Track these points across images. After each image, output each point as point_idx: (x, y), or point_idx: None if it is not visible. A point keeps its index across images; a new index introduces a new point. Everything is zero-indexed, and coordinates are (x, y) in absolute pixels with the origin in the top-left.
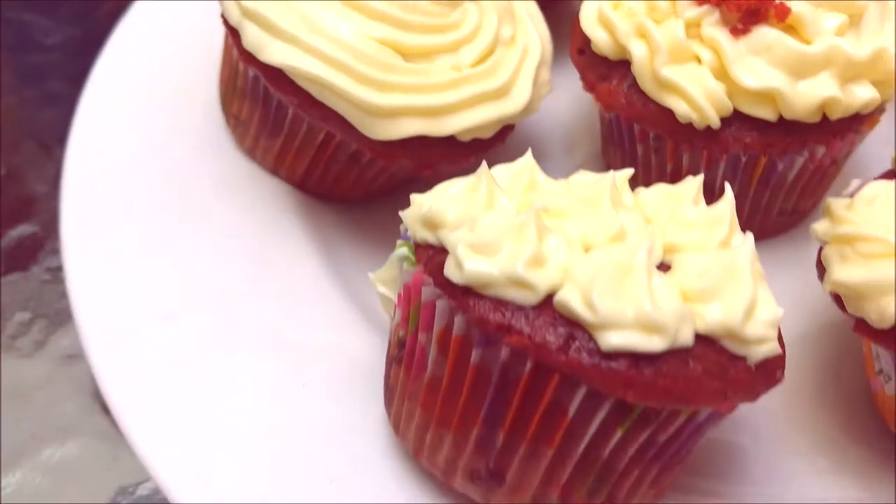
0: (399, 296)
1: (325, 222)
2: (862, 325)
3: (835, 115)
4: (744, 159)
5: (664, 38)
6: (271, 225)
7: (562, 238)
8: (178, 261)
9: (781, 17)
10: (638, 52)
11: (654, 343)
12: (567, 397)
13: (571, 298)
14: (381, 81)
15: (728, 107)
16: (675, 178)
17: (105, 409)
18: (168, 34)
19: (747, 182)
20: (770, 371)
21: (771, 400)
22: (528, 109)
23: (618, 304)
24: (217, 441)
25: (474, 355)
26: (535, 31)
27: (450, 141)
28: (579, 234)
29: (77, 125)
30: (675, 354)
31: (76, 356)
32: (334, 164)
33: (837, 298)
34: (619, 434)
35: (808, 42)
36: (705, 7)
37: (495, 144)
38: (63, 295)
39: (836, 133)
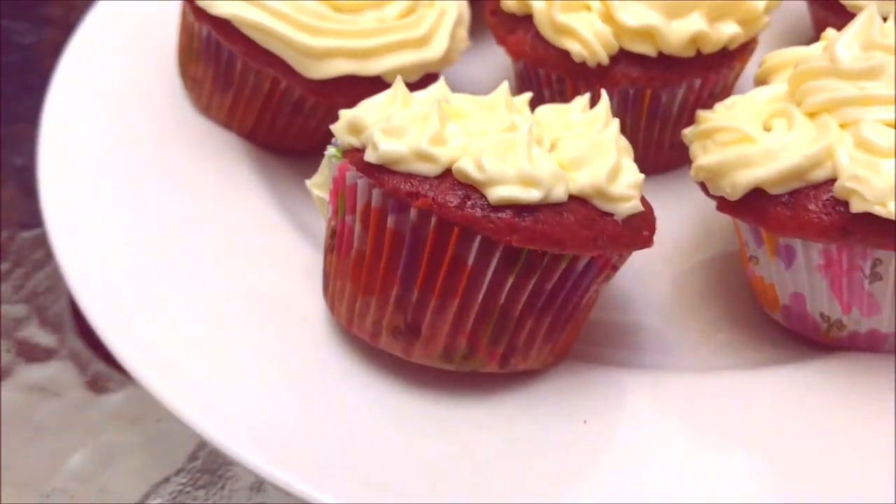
0: (330, 191)
1: (275, 169)
2: (722, 203)
3: (706, 49)
4: (631, 93)
5: None
6: (225, 168)
7: (461, 127)
8: (140, 197)
9: None
10: (538, 4)
11: (531, 195)
12: (466, 249)
13: (466, 165)
14: (315, 27)
15: (614, 45)
16: None
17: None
18: (134, 22)
19: (638, 115)
20: (636, 228)
21: (663, 299)
22: (446, 59)
23: (502, 166)
24: (178, 334)
25: (389, 221)
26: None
27: (378, 83)
28: (477, 127)
29: (52, 96)
30: (551, 207)
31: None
32: (280, 116)
33: (703, 185)
34: (510, 281)
35: None
36: None
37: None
38: None
39: (709, 67)
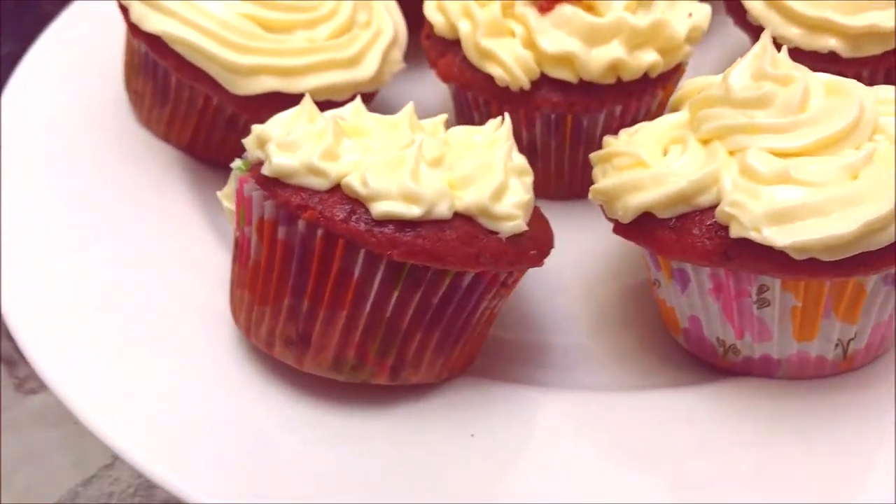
0: (235, 203)
1: (210, 182)
2: (617, 225)
3: (626, 76)
4: (553, 117)
5: (483, 17)
6: (159, 180)
7: (360, 144)
8: (70, 205)
9: None
10: (464, 28)
11: (412, 211)
12: (352, 262)
13: (353, 180)
14: (242, 45)
15: (536, 71)
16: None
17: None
18: (91, 37)
19: (562, 139)
20: (523, 247)
21: (578, 319)
22: (377, 80)
23: (386, 182)
24: (86, 335)
25: (280, 233)
26: (389, 20)
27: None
28: (377, 145)
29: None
30: (434, 223)
31: None
32: (215, 130)
33: (602, 207)
34: (396, 294)
35: (601, 16)
36: None
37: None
38: None
39: (630, 94)
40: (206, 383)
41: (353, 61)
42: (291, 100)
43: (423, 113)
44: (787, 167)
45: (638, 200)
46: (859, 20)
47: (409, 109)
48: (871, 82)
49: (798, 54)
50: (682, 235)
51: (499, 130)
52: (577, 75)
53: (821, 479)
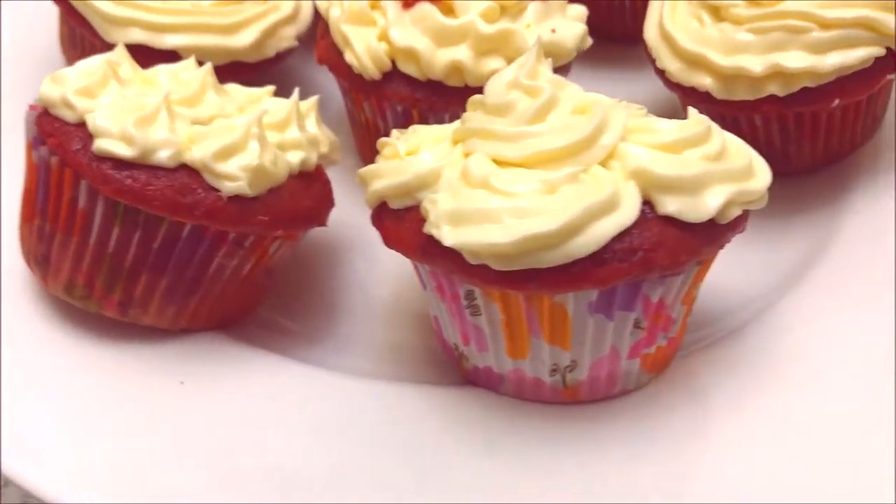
0: None
1: None
2: (372, 214)
3: (471, 81)
4: (400, 110)
5: (349, 4)
6: None
7: (129, 91)
8: None
9: None
10: (333, 13)
11: (126, 151)
12: (78, 192)
13: (90, 117)
14: (123, 2)
15: (387, 63)
16: (358, 123)
17: None
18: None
19: None
20: (249, 210)
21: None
22: (255, 51)
23: (113, 122)
24: None
25: (33, 155)
26: (300, 1)
27: (174, 57)
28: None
29: None
30: (152, 169)
31: None
32: None
33: None
34: (115, 231)
35: (455, 18)
36: None
37: (244, 74)
38: None
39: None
40: None
41: (229, 29)
42: (159, 54)
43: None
44: (489, 174)
45: (374, 188)
46: (730, 61)
47: (205, 68)
48: (747, 128)
49: (682, 91)
50: (398, 226)
51: (285, 103)
52: (423, 73)
53: None
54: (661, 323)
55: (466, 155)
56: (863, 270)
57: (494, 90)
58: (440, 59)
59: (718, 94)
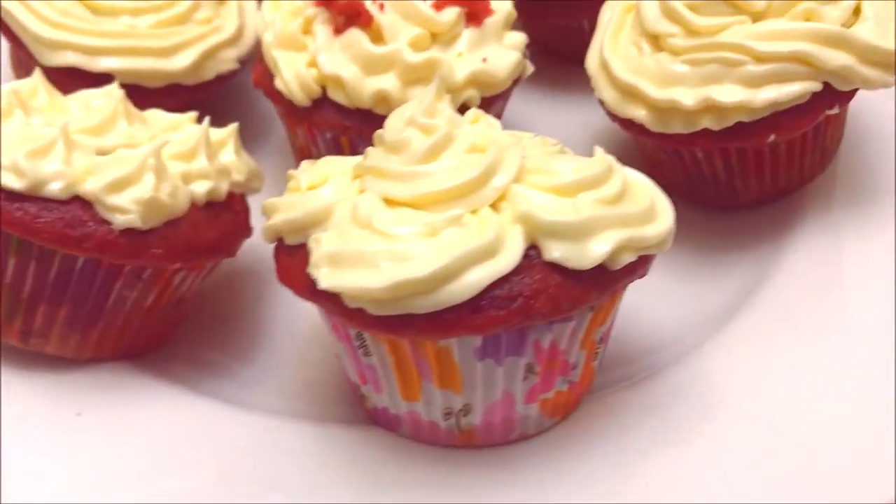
0: None
1: None
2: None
3: (392, 110)
4: (329, 137)
5: (281, 28)
6: None
7: (34, 120)
8: None
9: (366, 23)
10: (266, 38)
11: (16, 184)
12: None
13: None
14: (54, 21)
15: (315, 90)
16: (295, 148)
17: None
18: None
19: None
20: (143, 243)
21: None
22: (192, 74)
23: (6, 153)
24: None
25: None
26: (235, 22)
27: (108, 79)
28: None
29: None
30: (44, 201)
31: None
32: None
33: None
34: (12, 261)
35: (383, 46)
36: (318, 8)
37: (183, 96)
38: None
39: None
40: None
41: (165, 51)
42: (93, 77)
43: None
44: (373, 214)
45: (269, 223)
46: (663, 93)
47: (116, 96)
48: (690, 161)
49: (620, 122)
50: (291, 263)
51: (189, 127)
52: (351, 101)
53: None
54: (558, 368)
55: (361, 192)
56: (793, 316)
57: (392, 126)
58: (367, 87)
59: (653, 126)
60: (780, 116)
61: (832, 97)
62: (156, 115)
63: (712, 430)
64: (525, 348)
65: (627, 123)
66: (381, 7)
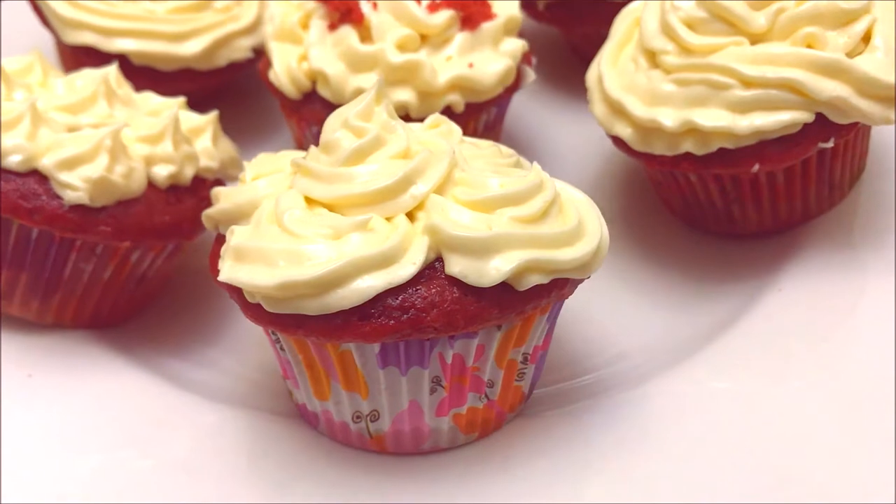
0: None
1: None
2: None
3: None
4: (315, 130)
5: (280, 20)
6: None
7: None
8: None
9: (357, 21)
10: (267, 29)
11: None
12: None
13: None
14: (76, 2)
15: (306, 84)
16: (294, 138)
17: None
18: None
19: None
20: (92, 220)
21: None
22: (204, 60)
23: None
24: None
25: None
26: (254, 12)
27: (123, 60)
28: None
29: None
30: (5, 173)
31: None
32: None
33: None
34: None
35: (369, 45)
36: (316, 3)
37: (198, 81)
38: None
39: None
40: None
41: (178, 36)
42: (108, 57)
43: None
44: (285, 212)
45: (207, 211)
46: (647, 112)
47: (100, 77)
48: (685, 184)
49: (612, 138)
50: (215, 252)
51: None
52: (335, 97)
53: None
54: (468, 383)
55: (289, 188)
56: (758, 357)
57: (328, 127)
58: (350, 85)
59: (637, 146)
60: (767, 146)
61: (827, 130)
62: (145, 99)
63: (637, 461)
64: (428, 360)
65: (617, 140)
66: (375, 6)
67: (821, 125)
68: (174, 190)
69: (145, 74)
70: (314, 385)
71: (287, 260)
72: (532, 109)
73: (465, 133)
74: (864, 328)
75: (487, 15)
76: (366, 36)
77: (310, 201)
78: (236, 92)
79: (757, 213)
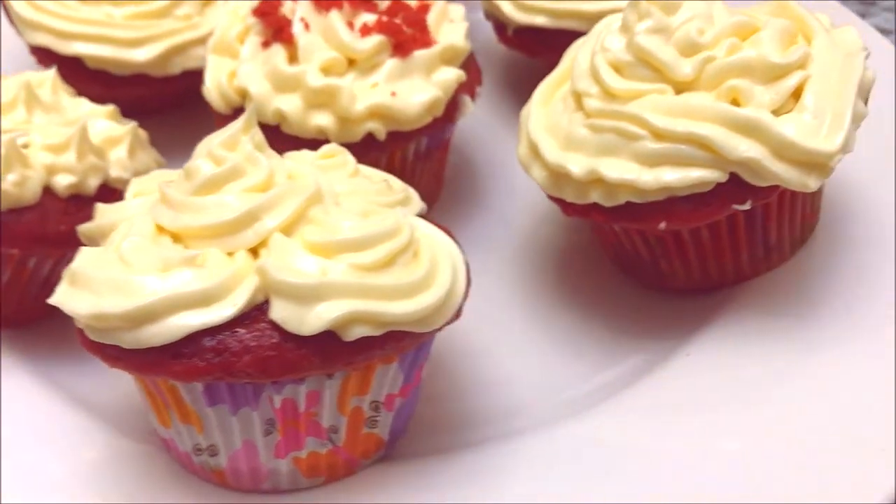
0: None
1: None
2: None
3: (299, 133)
4: None
5: (221, 33)
6: None
7: None
8: None
9: (287, 40)
10: (209, 42)
11: None
12: None
13: None
14: (35, 3)
15: (235, 100)
16: None
17: None
18: None
19: None
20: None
21: None
22: (157, 66)
23: None
24: None
25: None
26: (215, 23)
27: (77, 62)
28: None
29: None
30: None
31: None
32: None
33: None
34: None
35: (295, 65)
36: (255, 19)
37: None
38: None
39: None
40: None
41: (132, 42)
42: (63, 59)
43: None
44: (126, 238)
45: (80, 226)
46: (558, 157)
47: (19, 82)
48: (611, 234)
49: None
50: None
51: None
52: (259, 116)
53: None
54: (304, 429)
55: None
56: (644, 416)
57: (197, 151)
58: (272, 105)
59: (549, 190)
60: (676, 203)
61: (743, 191)
62: (75, 105)
63: None
64: (258, 402)
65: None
66: (307, 26)
67: (735, 186)
68: (76, 199)
69: (100, 79)
70: (157, 413)
71: (111, 290)
72: (499, 135)
73: (392, 162)
74: (761, 404)
75: (425, 42)
76: (294, 56)
77: (160, 229)
78: (197, 99)
79: (684, 269)
